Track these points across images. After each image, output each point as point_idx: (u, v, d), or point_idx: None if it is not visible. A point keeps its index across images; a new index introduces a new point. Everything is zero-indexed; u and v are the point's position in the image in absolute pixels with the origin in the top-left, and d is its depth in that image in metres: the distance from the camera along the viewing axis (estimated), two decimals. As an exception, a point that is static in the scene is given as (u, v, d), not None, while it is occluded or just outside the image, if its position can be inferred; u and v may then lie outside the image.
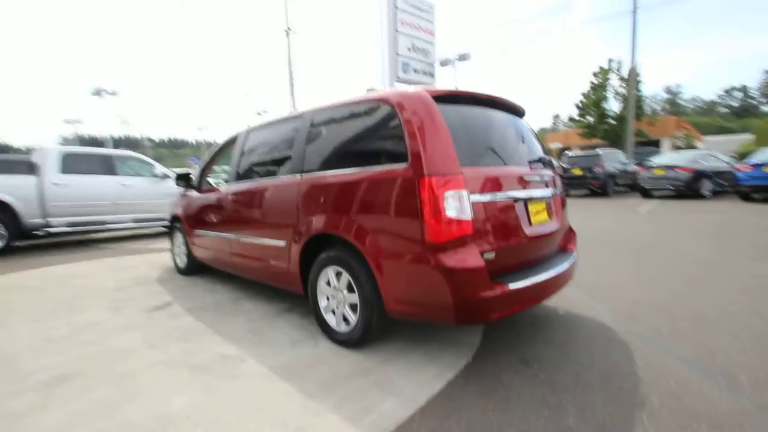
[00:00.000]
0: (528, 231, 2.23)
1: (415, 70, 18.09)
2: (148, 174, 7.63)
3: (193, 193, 4.16)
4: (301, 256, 2.61)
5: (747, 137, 31.74)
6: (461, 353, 2.32)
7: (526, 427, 1.64)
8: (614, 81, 23.34)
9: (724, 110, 72.57)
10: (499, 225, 2.11)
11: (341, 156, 2.48)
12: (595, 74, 23.85)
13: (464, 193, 1.94)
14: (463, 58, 20.93)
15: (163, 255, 5.66)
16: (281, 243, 2.78)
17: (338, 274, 2.42)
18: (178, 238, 4.50)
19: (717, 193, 11.35)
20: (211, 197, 3.76)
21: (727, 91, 76.55)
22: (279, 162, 3.01)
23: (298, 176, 2.67)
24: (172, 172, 7.81)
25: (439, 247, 1.90)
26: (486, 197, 2.06)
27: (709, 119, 58.98)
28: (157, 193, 7.56)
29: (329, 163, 2.51)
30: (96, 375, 2.16)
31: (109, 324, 2.94)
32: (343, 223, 2.29)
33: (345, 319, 2.43)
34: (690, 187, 10.76)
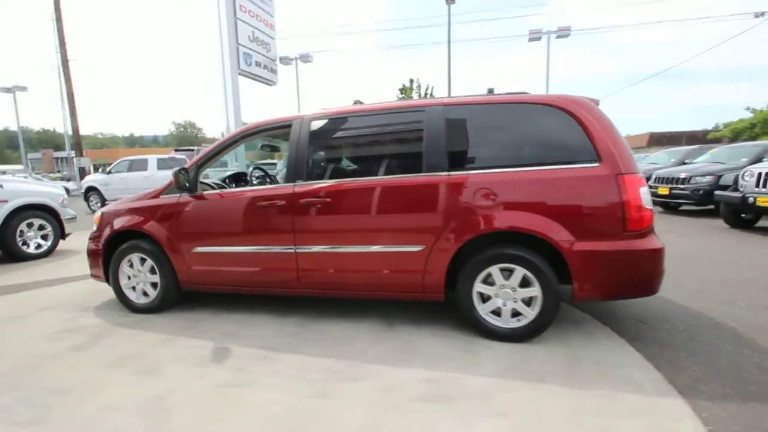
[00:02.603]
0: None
1: (257, 63, 16.86)
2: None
3: (182, 198, 3.07)
4: (452, 258, 2.49)
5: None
6: (597, 325, 2.73)
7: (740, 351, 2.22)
8: (416, 98, 27.56)
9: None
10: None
11: (507, 155, 2.50)
12: (400, 90, 27.62)
13: (647, 188, 2.37)
14: (305, 58, 20.84)
15: (34, 293, 3.82)
16: (416, 248, 2.53)
17: (505, 271, 2.45)
18: (135, 262, 3.20)
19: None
20: (242, 201, 2.91)
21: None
22: (396, 158, 2.70)
23: (443, 174, 2.50)
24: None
25: (640, 234, 2.28)
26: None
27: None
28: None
29: (492, 162, 2.48)
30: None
31: (191, 393, 2.01)
32: (531, 220, 2.35)
33: (513, 315, 2.48)
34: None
